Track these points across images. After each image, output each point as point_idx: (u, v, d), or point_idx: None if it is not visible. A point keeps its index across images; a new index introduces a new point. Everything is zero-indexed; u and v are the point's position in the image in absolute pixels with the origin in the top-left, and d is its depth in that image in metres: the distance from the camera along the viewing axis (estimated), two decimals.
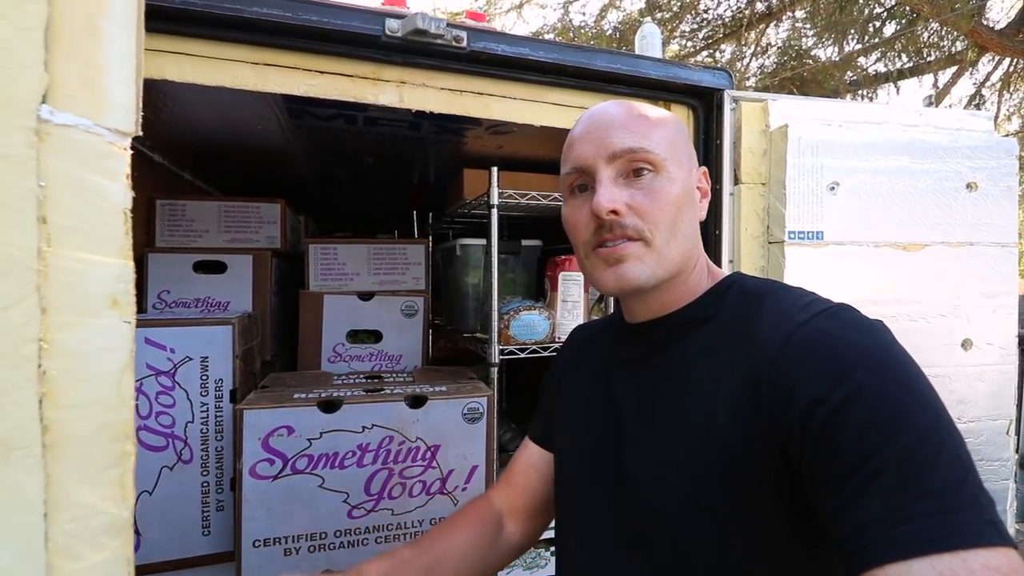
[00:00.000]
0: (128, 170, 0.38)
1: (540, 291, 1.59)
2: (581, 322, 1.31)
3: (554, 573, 0.72)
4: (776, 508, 0.48)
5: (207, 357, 1.01)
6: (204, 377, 1.01)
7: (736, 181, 1.05)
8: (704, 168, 0.65)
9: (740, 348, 0.52)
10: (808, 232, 1.01)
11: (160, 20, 0.78)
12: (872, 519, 0.39)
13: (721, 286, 0.60)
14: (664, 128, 0.59)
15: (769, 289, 0.56)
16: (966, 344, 1.10)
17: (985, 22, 4.92)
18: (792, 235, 1.00)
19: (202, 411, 1.01)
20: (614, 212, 0.55)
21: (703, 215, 0.63)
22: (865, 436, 0.41)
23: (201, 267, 1.29)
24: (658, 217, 0.56)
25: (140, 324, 0.97)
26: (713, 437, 0.51)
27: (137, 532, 0.97)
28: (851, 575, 0.40)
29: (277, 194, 1.42)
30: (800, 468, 0.45)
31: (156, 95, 0.94)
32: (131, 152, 0.38)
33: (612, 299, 1.36)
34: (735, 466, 0.49)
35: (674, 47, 6.24)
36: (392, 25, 0.85)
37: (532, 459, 0.77)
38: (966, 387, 1.10)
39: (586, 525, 0.63)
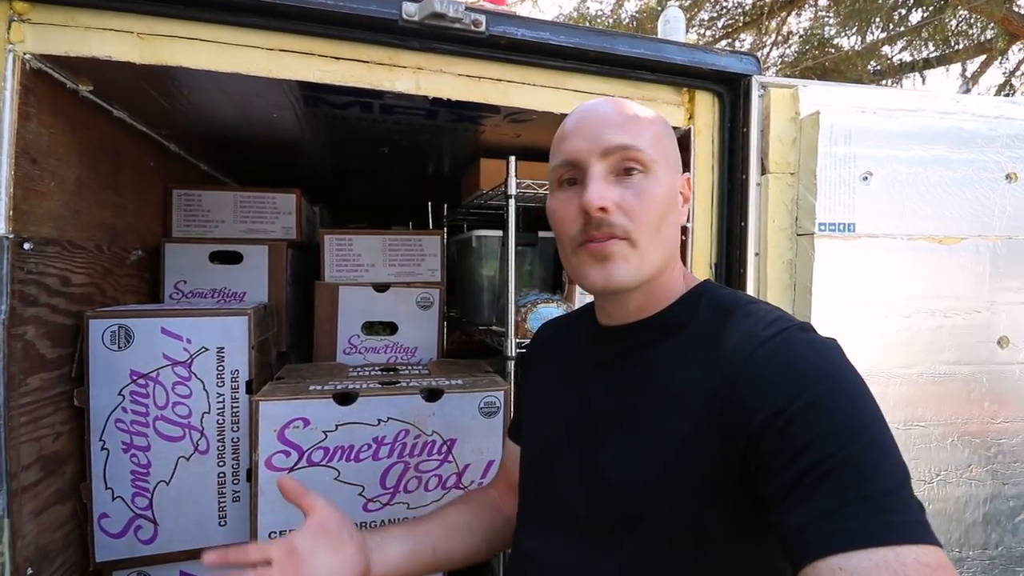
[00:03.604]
0: None
1: (557, 284, 1.56)
2: None
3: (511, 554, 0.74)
4: (729, 508, 0.52)
5: (223, 348, 1.01)
6: (220, 368, 1.01)
7: (763, 171, 1.02)
8: (687, 175, 0.66)
9: (708, 359, 0.55)
10: (839, 224, 0.97)
11: (173, 5, 0.77)
12: (818, 516, 0.43)
13: (694, 294, 0.63)
14: (655, 129, 0.60)
15: (737, 303, 0.59)
16: (1002, 342, 1.06)
17: (1017, 9, 4.75)
18: (823, 227, 0.96)
19: (218, 402, 1.01)
20: (603, 209, 0.56)
21: (683, 220, 0.64)
22: (817, 443, 0.45)
23: (217, 257, 1.29)
24: (645, 218, 0.57)
25: (156, 314, 0.98)
26: (679, 443, 0.54)
27: (154, 522, 0.97)
28: (797, 566, 0.43)
29: (292, 184, 1.41)
30: (757, 471, 0.49)
31: (171, 82, 0.93)
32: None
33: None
34: (698, 470, 0.53)
35: (692, 36, 6.13)
36: (409, 9, 0.83)
37: (514, 455, 0.81)
38: (1002, 387, 1.06)
39: (557, 518, 0.64)
